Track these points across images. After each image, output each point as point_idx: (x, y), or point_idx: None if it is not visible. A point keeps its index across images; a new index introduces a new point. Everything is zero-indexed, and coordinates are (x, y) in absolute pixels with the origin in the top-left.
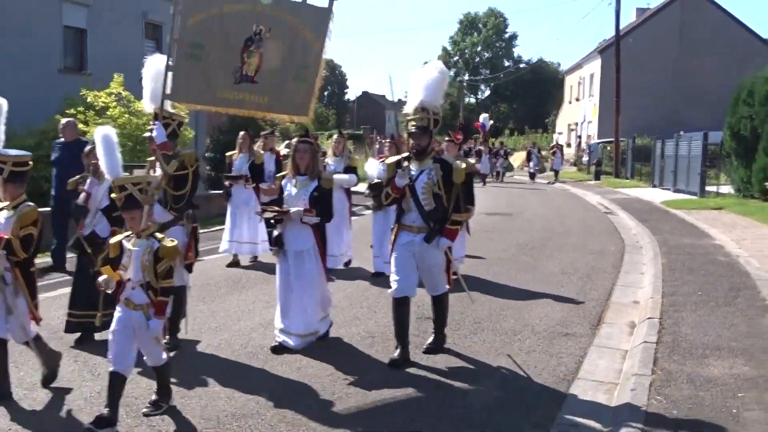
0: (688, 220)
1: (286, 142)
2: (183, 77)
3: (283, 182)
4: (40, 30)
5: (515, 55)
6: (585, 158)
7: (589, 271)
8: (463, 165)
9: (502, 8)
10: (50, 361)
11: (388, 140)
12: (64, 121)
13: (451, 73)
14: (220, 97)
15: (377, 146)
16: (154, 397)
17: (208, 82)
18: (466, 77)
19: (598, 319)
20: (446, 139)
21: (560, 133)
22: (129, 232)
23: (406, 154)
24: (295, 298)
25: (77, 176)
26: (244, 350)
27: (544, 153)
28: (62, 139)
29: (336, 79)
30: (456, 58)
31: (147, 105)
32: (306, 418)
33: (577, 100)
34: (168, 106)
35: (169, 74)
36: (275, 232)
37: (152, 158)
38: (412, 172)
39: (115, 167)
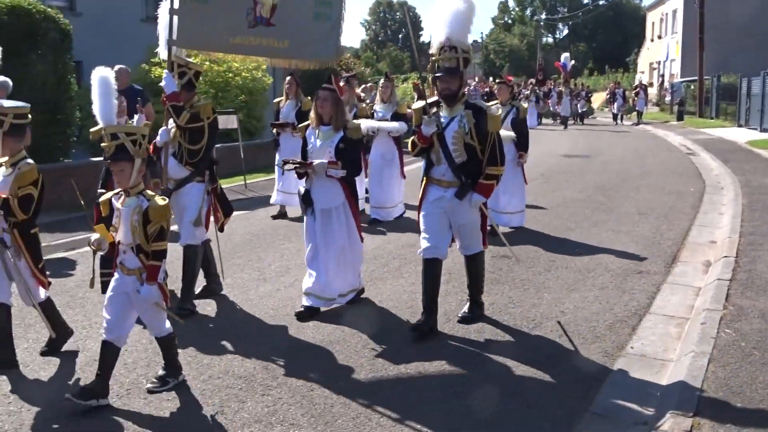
0: None
1: (363, 86)
2: (189, 22)
3: (307, 133)
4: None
5: None
6: (668, 98)
7: (667, 212)
8: (499, 112)
9: None
10: (59, 328)
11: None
12: (117, 67)
13: (528, 12)
14: (234, 43)
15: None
16: (160, 371)
17: (219, 27)
18: (543, 16)
19: (673, 258)
20: (497, 81)
21: (642, 72)
22: (119, 189)
23: (433, 99)
24: (324, 259)
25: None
26: None
27: (627, 93)
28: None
29: (411, 20)
30: None
31: (162, 53)
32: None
33: (659, 37)
34: (183, 53)
35: (175, 19)
36: (301, 188)
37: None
38: (442, 120)
39: (109, 113)
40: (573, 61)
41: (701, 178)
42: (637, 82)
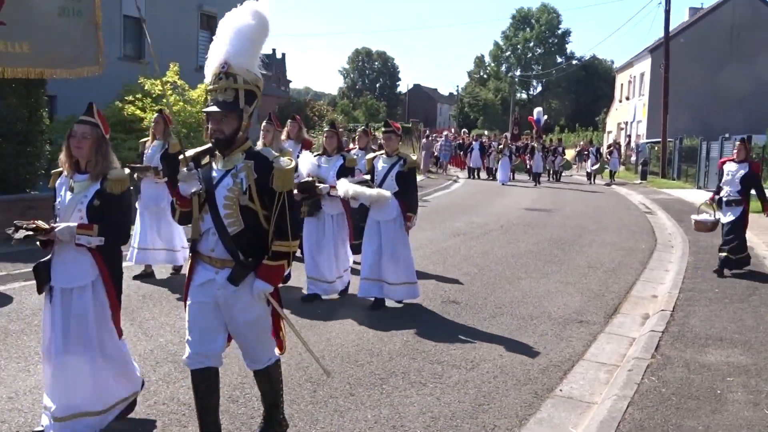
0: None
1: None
2: None
3: (58, 183)
4: (102, 20)
5: (568, 51)
6: (633, 158)
7: (615, 267)
8: (290, 165)
9: (555, 4)
10: None
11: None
12: None
13: (503, 68)
14: None
15: (423, 141)
16: None
17: None
18: (518, 73)
19: (614, 310)
20: (384, 129)
21: (609, 132)
22: None
23: (205, 147)
24: (62, 361)
25: None
26: None
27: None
28: None
29: (388, 71)
30: (508, 54)
31: None
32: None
33: (627, 99)
34: None
35: None
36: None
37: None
38: (214, 174)
39: None
40: (546, 116)
41: (654, 236)
42: (611, 141)
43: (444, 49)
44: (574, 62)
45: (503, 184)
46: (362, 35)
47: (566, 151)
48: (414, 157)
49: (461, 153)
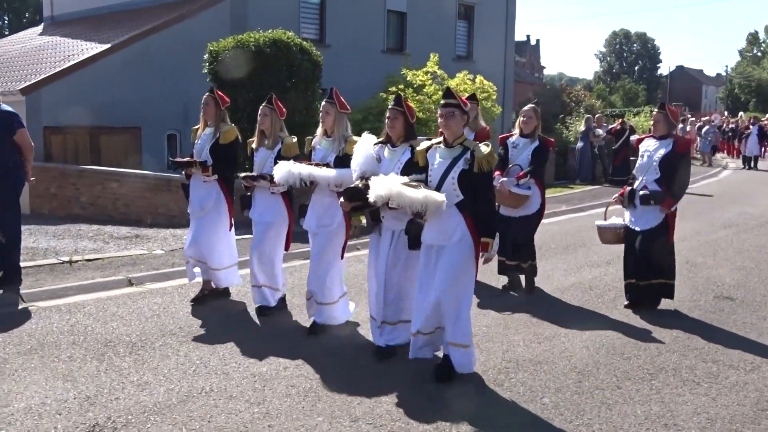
0: None
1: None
2: None
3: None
4: (367, 15)
5: None
6: None
7: None
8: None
9: None
10: None
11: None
12: None
13: None
14: None
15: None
16: None
17: None
18: None
19: None
20: (443, 102)
21: None
22: None
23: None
24: None
25: None
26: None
27: None
28: None
29: (648, 52)
30: None
31: None
32: None
33: None
34: None
35: None
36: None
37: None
38: None
39: None
40: None
41: None
42: None
43: (711, 27)
44: None
45: None
46: (620, 17)
47: None
48: (486, 149)
49: (734, 139)
